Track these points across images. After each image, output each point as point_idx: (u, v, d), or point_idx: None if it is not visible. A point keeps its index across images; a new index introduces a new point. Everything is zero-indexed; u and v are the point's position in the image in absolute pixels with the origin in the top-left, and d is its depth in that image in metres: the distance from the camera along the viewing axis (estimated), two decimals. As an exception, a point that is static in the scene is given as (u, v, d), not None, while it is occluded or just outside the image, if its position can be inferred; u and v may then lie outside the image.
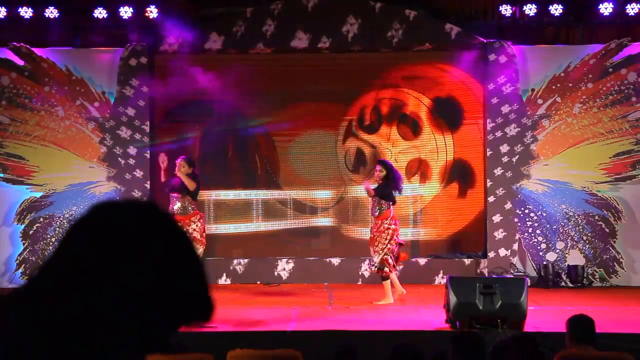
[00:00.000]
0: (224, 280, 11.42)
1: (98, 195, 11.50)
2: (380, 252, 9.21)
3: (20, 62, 11.46)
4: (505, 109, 11.36)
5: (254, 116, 12.15)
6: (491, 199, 11.42)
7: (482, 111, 11.73)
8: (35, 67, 11.47)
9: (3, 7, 11.42)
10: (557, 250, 11.37)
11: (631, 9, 11.30)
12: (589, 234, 11.36)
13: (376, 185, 9.41)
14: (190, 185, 8.85)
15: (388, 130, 12.07)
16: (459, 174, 11.99)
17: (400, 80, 12.04)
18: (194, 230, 9.06)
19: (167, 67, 11.73)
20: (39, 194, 11.48)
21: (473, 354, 4.44)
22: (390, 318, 8.40)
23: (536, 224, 11.42)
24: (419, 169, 12.06)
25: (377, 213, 9.37)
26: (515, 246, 11.38)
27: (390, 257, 9.26)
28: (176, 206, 9.01)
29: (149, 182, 11.40)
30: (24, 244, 11.45)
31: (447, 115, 11.96)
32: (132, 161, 11.47)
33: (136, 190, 11.44)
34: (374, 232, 9.40)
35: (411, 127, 12.08)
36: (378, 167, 9.40)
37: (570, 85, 11.39)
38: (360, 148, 12.11)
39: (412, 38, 11.44)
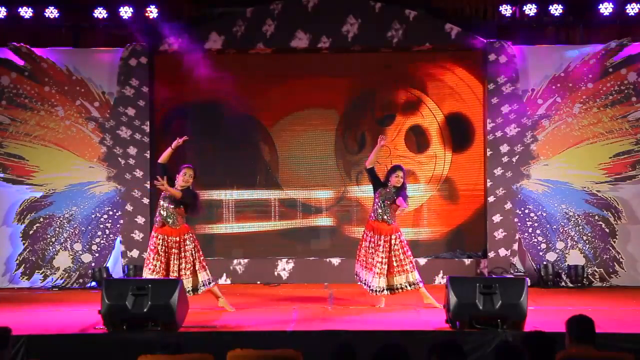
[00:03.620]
0: (224, 280, 11.42)
1: (98, 195, 11.50)
2: (411, 269, 9.00)
3: (20, 62, 11.46)
4: (505, 109, 11.36)
5: (254, 116, 12.16)
6: (491, 199, 11.42)
7: (482, 111, 11.73)
8: (35, 67, 11.47)
9: (3, 7, 11.42)
10: (557, 250, 11.37)
11: (631, 9, 11.30)
12: (589, 234, 11.36)
13: (395, 190, 8.95)
14: (177, 194, 8.61)
15: (388, 129, 12.06)
16: (456, 130, 11.94)
17: (401, 81, 12.04)
18: (195, 248, 8.81)
19: (167, 67, 11.74)
20: (39, 194, 11.48)
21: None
22: (390, 318, 8.40)
23: (536, 224, 11.41)
24: (418, 137, 12.01)
25: (391, 220, 9.00)
26: (515, 246, 11.38)
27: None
28: (181, 220, 8.72)
29: (148, 182, 11.39)
30: (24, 244, 11.45)
31: (455, 131, 11.97)
32: (132, 161, 11.47)
33: (136, 190, 11.44)
34: (395, 248, 8.93)
35: (416, 138, 12.07)
36: (400, 174, 8.95)
37: (570, 85, 11.38)
38: (359, 147, 12.12)
39: (412, 38, 11.43)
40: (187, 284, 8.61)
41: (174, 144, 8.70)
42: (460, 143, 12.00)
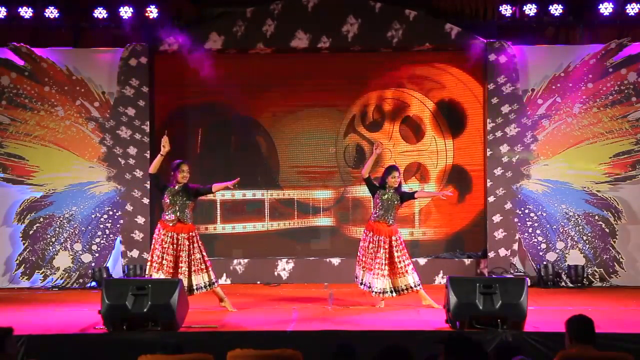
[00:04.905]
0: (224, 280, 11.41)
1: (98, 195, 11.50)
2: (411, 271, 8.99)
3: (20, 62, 11.46)
4: (505, 109, 11.36)
5: (254, 116, 12.16)
6: (491, 199, 11.42)
7: (482, 111, 11.74)
8: (35, 67, 11.47)
9: (3, 7, 11.42)
10: (557, 250, 11.37)
11: (631, 9, 11.31)
12: (589, 234, 11.36)
13: (394, 190, 9.01)
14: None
15: (389, 130, 12.08)
16: (457, 180, 11.99)
17: (401, 81, 12.06)
18: (202, 245, 8.88)
19: (167, 67, 11.74)
20: (39, 194, 11.48)
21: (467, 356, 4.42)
22: (390, 318, 8.40)
23: (536, 224, 11.41)
24: (418, 171, 12.07)
25: (392, 221, 9.01)
26: (515, 246, 11.38)
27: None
28: (191, 215, 8.79)
29: (148, 183, 11.39)
30: (24, 244, 11.45)
31: (449, 117, 11.99)
32: (132, 161, 11.47)
33: (136, 190, 11.44)
34: (396, 249, 8.93)
35: (412, 129, 12.11)
36: (396, 174, 8.99)
37: (570, 85, 11.38)
38: (360, 146, 12.12)
39: (412, 38, 11.44)
40: (202, 279, 8.69)
41: (162, 151, 8.63)
42: (460, 138, 12.02)
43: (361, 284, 9.09)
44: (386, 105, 12.13)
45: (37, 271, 11.43)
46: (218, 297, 8.91)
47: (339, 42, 11.43)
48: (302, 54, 11.71)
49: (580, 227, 11.36)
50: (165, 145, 8.62)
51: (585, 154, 11.39)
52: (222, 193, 11.85)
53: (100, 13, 11.48)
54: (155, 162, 8.68)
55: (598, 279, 11.29)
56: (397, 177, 9.01)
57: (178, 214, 8.68)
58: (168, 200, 8.69)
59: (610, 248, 11.33)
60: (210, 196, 11.64)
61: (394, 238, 8.98)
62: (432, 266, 11.46)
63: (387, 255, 8.94)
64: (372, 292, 8.94)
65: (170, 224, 8.67)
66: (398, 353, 4.36)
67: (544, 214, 11.40)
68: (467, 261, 11.61)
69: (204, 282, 8.73)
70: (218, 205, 12.06)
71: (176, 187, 8.71)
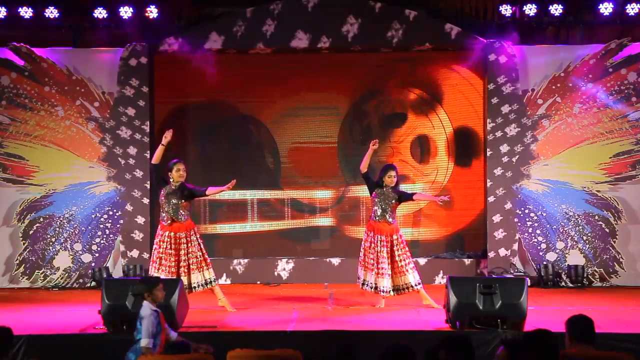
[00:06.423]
0: (224, 280, 11.41)
1: (98, 195, 11.50)
2: (412, 270, 9.01)
3: (20, 62, 11.46)
4: (505, 109, 11.36)
5: (254, 116, 12.16)
6: (491, 199, 11.42)
7: (482, 110, 11.74)
8: (35, 67, 11.47)
9: (3, 7, 11.42)
10: (557, 250, 11.37)
11: (631, 9, 11.31)
12: (589, 234, 11.35)
13: (392, 189, 9.04)
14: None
15: (390, 129, 12.08)
16: (462, 145, 11.99)
17: (401, 80, 12.05)
18: (202, 244, 8.91)
19: (167, 67, 11.74)
20: (39, 194, 11.48)
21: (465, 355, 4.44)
22: (390, 318, 8.40)
23: (536, 224, 11.41)
24: (423, 146, 12.04)
25: (392, 219, 9.03)
26: (515, 246, 11.38)
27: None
28: (187, 214, 8.84)
29: (149, 182, 11.39)
30: (24, 244, 11.45)
31: (450, 113, 12.00)
32: (132, 161, 11.47)
33: (136, 190, 11.44)
34: (397, 248, 8.96)
35: (413, 127, 12.12)
36: (392, 173, 9.04)
37: (570, 85, 11.38)
38: (361, 146, 12.12)
39: (412, 38, 11.44)
40: (201, 276, 8.70)
41: (164, 140, 8.74)
42: (462, 148, 12.02)
43: (364, 284, 9.07)
44: (386, 104, 12.13)
45: (37, 271, 11.43)
46: (216, 296, 8.92)
47: (339, 42, 11.43)
48: (302, 54, 11.71)
49: (580, 227, 11.36)
50: (167, 136, 8.72)
51: (585, 154, 11.38)
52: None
53: (100, 13, 11.48)
54: (157, 152, 8.77)
55: (598, 279, 11.28)
56: (393, 177, 9.04)
57: (171, 214, 8.75)
58: (163, 199, 8.80)
59: (610, 248, 11.32)
60: (210, 195, 11.68)
61: (395, 237, 8.99)
62: (432, 266, 11.46)
63: (390, 254, 8.95)
64: (380, 291, 8.91)
65: (166, 224, 8.75)
66: (403, 352, 4.36)
67: (544, 214, 11.40)
68: (467, 261, 11.61)
69: (204, 280, 8.76)
70: (218, 205, 12.06)
71: (172, 187, 8.79)
